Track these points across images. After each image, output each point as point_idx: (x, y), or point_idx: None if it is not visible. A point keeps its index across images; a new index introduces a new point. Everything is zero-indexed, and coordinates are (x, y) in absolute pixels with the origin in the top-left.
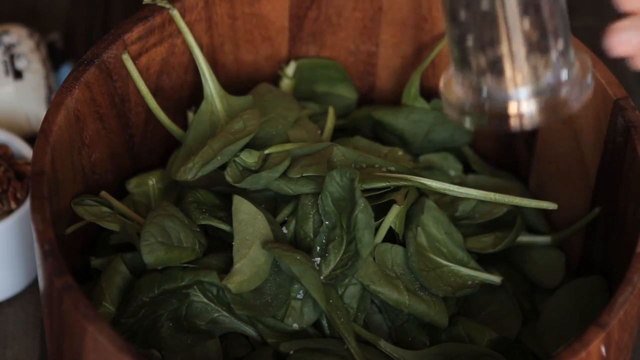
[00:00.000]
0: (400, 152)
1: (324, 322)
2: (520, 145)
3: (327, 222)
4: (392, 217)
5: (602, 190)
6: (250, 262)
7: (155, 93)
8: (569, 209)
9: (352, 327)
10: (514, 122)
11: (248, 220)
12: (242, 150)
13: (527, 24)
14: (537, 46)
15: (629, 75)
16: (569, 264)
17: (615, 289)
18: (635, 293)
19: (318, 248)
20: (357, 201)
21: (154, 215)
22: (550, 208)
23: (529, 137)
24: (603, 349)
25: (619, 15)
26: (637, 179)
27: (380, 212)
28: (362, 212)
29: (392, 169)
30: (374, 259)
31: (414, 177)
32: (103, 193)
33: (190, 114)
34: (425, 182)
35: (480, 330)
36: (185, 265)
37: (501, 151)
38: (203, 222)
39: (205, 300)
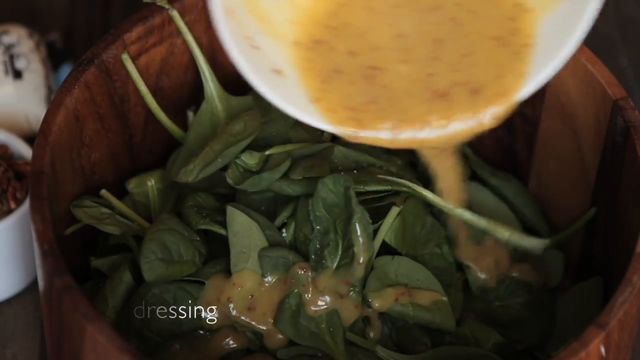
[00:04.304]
0: (400, 162)
1: None
2: (520, 145)
3: (318, 227)
4: (392, 219)
5: (601, 190)
6: None
7: (155, 93)
8: (569, 209)
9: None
10: None
11: (243, 233)
12: (243, 151)
13: None
14: None
15: (629, 75)
16: (569, 264)
17: (614, 289)
18: (634, 293)
19: (313, 256)
20: (354, 209)
21: (153, 231)
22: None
23: (529, 137)
24: (602, 349)
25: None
26: (637, 179)
27: (379, 214)
28: (360, 221)
29: (393, 170)
30: (373, 268)
31: (415, 186)
32: (103, 192)
33: (190, 114)
34: (424, 193)
35: (486, 332)
36: (186, 278)
37: (501, 151)
38: (202, 227)
39: None
